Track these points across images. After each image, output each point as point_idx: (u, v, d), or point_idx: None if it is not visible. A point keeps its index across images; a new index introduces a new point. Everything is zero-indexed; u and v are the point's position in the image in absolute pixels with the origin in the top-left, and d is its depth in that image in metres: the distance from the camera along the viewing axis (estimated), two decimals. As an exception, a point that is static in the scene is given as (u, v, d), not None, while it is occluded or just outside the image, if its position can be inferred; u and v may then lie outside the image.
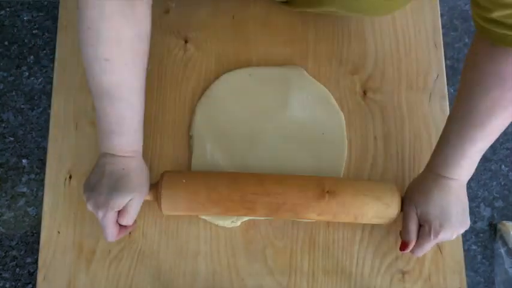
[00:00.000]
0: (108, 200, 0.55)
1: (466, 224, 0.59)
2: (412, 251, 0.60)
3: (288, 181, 0.60)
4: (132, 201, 0.57)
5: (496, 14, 0.48)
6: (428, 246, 0.59)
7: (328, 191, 0.59)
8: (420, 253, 0.59)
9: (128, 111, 0.56)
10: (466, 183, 0.59)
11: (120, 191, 0.55)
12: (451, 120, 0.59)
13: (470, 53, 0.57)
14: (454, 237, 0.58)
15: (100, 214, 0.56)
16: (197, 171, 0.64)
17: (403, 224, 0.60)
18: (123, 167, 0.57)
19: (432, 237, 0.57)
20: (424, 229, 0.58)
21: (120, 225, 0.59)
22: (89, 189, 0.57)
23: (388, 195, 0.60)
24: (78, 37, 0.52)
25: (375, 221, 0.61)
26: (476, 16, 0.52)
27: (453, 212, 0.57)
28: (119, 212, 0.57)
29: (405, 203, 0.60)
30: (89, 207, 0.56)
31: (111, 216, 0.56)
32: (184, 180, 0.60)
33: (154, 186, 0.61)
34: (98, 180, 0.56)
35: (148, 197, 0.60)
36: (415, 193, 0.60)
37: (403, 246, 0.60)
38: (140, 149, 0.60)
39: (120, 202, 0.55)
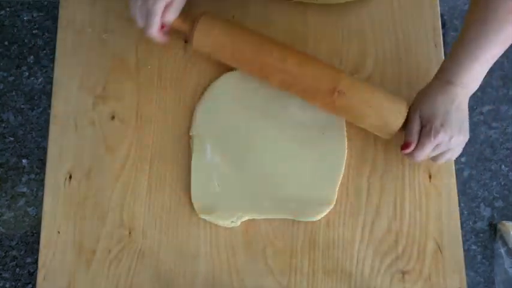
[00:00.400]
0: None
1: (465, 134, 0.60)
2: (413, 154, 0.61)
3: (307, 66, 0.63)
4: (175, 1, 0.61)
5: None
6: (428, 148, 0.60)
7: (339, 91, 0.61)
8: (420, 156, 0.60)
9: None
10: (471, 94, 0.61)
11: None
12: (463, 31, 0.60)
13: None
14: (451, 148, 0.60)
15: (151, 2, 0.59)
16: (232, 23, 0.67)
17: (407, 126, 0.62)
18: None
19: (432, 136, 0.58)
20: (425, 129, 0.59)
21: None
22: None
23: (393, 114, 0.61)
24: None
25: (373, 130, 0.64)
26: None
27: (454, 117, 0.59)
28: (165, 8, 0.60)
29: (411, 108, 0.62)
30: (137, 2, 0.60)
31: (160, 5, 0.59)
32: (216, 30, 0.64)
33: (191, 18, 0.64)
34: None
35: (183, 26, 0.64)
36: (421, 97, 0.62)
37: (405, 146, 0.61)
38: None
39: None
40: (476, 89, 0.61)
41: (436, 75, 0.63)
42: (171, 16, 0.62)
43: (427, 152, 0.60)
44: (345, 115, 0.65)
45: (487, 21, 0.57)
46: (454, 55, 0.60)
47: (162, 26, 0.62)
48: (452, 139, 0.59)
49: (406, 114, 0.62)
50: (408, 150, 0.61)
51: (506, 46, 0.58)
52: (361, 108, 0.62)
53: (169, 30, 0.65)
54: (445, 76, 0.61)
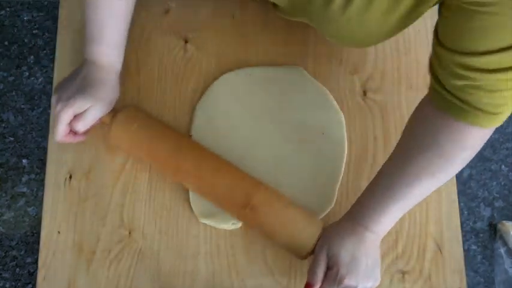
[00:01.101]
0: (71, 97, 0.58)
1: (375, 279, 0.57)
2: None
3: (223, 175, 0.61)
4: (91, 109, 0.59)
5: (456, 83, 0.49)
6: None
7: (252, 206, 0.59)
8: None
9: (109, 20, 0.60)
10: (382, 237, 0.58)
11: (85, 94, 0.58)
12: (380, 174, 0.58)
13: (417, 110, 0.57)
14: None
15: (59, 107, 0.58)
16: (154, 120, 0.65)
17: (311, 264, 0.57)
18: (96, 76, 0.60)
19: (337, 283, 0.55)
20: (330, 272, 0.56)
21: (71, 132, 0.61)
22: (59, 85, 0.61)
23: (305, 238, 0.58)
24: None
25: (285, 249, 0.61)
26: (436, 80, 0.52)
27: (363, 263, 0.55)
28: (76, 117, 0.59)
29: (318, 244, 0.58)
30: (53, 100, 0.60)
31: (67, 114, 0.58)
32: (135, 125, 0.62)
33: (111, 114, 0.63)
34: (70, 80, 0.60)
35: (104, 118, 0.62)
36: (330, 235, 0.58)
37: (306, 286, 0.57)
38: (118, 68, 0.63)
39: (80, 104, 0.58)
40: (386, 233, 0.58)
41: (348, 212, 0.59)
42: (80, 127, 0.59)
43: None
44: (257, 229, 0.62)
45: (400, 176, 0.55)
46: (365, 203, 0.58)
47: (75, 132, 0.61)
48: (358, 286, 0.55)
49: (315, 243, 0.58)
50: None
51: (418, 200, 0.57)
52: (273, 225, 0.59)
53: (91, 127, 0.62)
54: (356, 219, 0.57)
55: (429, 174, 0.54)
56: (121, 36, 0.63)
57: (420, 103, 0.57)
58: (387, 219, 0.57)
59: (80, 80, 0.60)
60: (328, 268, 0.56)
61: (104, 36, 0.61)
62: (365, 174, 0.67)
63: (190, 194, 0.65)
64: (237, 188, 0.60)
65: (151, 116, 0.66)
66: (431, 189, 0.57)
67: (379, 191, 0.57)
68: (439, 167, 0.54)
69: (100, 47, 0.61)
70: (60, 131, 0.59)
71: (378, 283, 0.57)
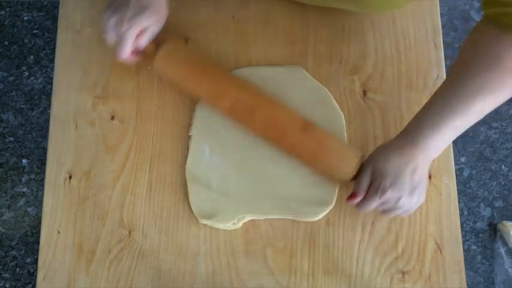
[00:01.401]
0: (136, 16, 0.60)
1: (419, 196, 0.59)
2: (358, 206, 0.60)
3: (278, 105, 0.63)
4: (151, 27, 0.62)
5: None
6: (373, 203, 0.58)
7: (308, 128, 0.61)
8: (363, 209, 0.59)
9: None
10: (431, 160, 0.59)
11: (145, 13, 0.61)
12: (436, 93, 0.59)
13: (472, 33, 0.58)
14: (399, 207, 0.58)
15: (125, 26, 0.60)
16: (199, 53, 0.67)
17: (357, 177, 0.60)
18: None
19: (379, 192, 0.57)
20: (374, 185, 0.58)
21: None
22: (112, 8, 0.61)
23: (346, 162, 0.61)
24: None
25: (325, 175, 0.63)
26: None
27: (407, 178, 0.57)
28: (138, 35, 0.61)
29: (366, 159, 0.61)
30: (111, 21, 0.60)
31: (134, 31, 0.60)
32: (182, 56, 0.65)
33: (155, 42, 0.64)
34: (124, 1, 0.61)
35: (148, 45, 0.64)
36: (377, 152, 0.60)
37: (351, 196, 0.60)
38: None
39: (144, 21, 0.61)
40: (436, 156, 0.59)
41: (398, 134, 0.61)
42: (144, 41, 0.63)
43: (372, 207, 0.58)
44: (302, 154, 0.63)
45: (458, 93, 0.56)
46: (419, 118, 0.59)
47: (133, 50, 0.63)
48: (400, 200, 0.57)
49: (358, 164, 0.60)
50: (353, 201, 0.59)
51: (474, 120, 0.57)
52: (322, 148, 0.61)
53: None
54: (406, 137, 0.59)
55: (490, 90, 0.55)
56: None
57: (475, 27, 0.58)
58: (440, 137, 0.57)
59: (135, 1, 0.61)
60: (372, 181, 0.58)
61: None
62: (365, 174, 0.67)
63: (190, 196, 0.65)
64: (292, 113, 0.63)
65: (196, 50, 0.68)
66: (489, 108, 0.57)
67: (436, 108, 0.57)
68: (499, 83, 0.54)
69: None
70: (128, 48, 0.61)
71: (422, 201, 0.59)
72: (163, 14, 0.64)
